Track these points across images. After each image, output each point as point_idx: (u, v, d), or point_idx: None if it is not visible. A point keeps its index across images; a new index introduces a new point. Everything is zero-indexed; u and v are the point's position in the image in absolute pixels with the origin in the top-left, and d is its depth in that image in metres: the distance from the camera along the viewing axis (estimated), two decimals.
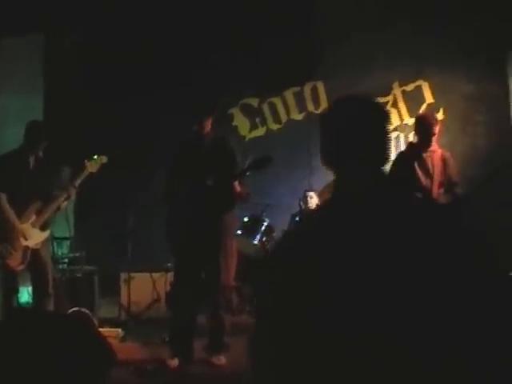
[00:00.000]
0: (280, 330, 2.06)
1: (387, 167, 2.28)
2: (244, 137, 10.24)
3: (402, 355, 1.91)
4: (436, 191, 6.42)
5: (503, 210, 8.40)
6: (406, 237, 2.02)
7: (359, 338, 1.93)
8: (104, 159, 6.60)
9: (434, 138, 6.50)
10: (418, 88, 9.82)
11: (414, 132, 6.78)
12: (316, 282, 2.01)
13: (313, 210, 8.25)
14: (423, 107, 9.69)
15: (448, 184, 6.57)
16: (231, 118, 10.25)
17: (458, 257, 1.99)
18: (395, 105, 9.85)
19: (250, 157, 6.08)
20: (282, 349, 2.05)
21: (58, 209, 6.45)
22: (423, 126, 6.51)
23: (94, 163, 6.52)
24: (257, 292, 2.15)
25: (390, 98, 9.85)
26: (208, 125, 6.06)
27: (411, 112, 9.67)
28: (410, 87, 9.85)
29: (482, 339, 1.91)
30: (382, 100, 9.82)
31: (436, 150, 6.58)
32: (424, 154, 6.49)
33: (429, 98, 9.75)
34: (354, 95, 2.30)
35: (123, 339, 6.82)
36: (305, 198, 8.74)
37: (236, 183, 5.92)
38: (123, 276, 7.72)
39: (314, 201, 8.73)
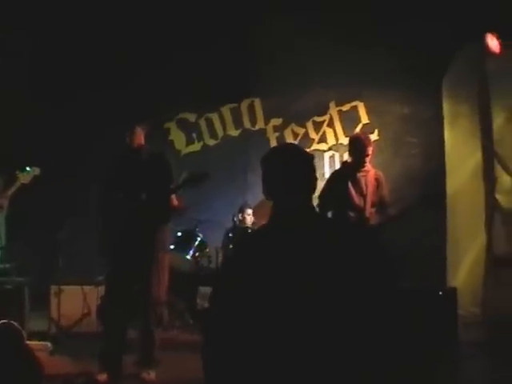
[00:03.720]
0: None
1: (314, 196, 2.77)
2: (180, 151, 10.23)
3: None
4: (369, 210, 6.51)
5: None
6: (323, 253, 2.52)
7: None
8: (37, 171, 6.50)
9: (368, 159, 6.60)
10: (354, 108, 9.94)
11: (348, 152, 6.88)
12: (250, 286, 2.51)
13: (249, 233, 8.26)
14: (359, 127, 9.80)
15: (380, 204, 6.67)
16: (167, 132, 10.23)
17: (367, 272, 2.51)
18: (331, 124, 9.96)
19: (186, 171, 6.05)
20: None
21: None
22: (357, 147, 6.60)
23: (27, 174, 6.41)
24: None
25: (326, 118, 9.96)
26: (140, 136, 6.00)
27: (347, 132, 9.77)
28: (346, 107, 9.97)
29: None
30: (318, 119, 9.95)
31: (370, 170, 6.67)
32: (358, 174, 6.59)
33: (364, 118, 9.88)
34: (288, 144, 2.78)
35: (52, 353, 6.71)
36: (242, 214, 8.77)
37: (173, 196, 5.92)
38: (54, 289, 7.60)
39: (250, 218, 8.76)
